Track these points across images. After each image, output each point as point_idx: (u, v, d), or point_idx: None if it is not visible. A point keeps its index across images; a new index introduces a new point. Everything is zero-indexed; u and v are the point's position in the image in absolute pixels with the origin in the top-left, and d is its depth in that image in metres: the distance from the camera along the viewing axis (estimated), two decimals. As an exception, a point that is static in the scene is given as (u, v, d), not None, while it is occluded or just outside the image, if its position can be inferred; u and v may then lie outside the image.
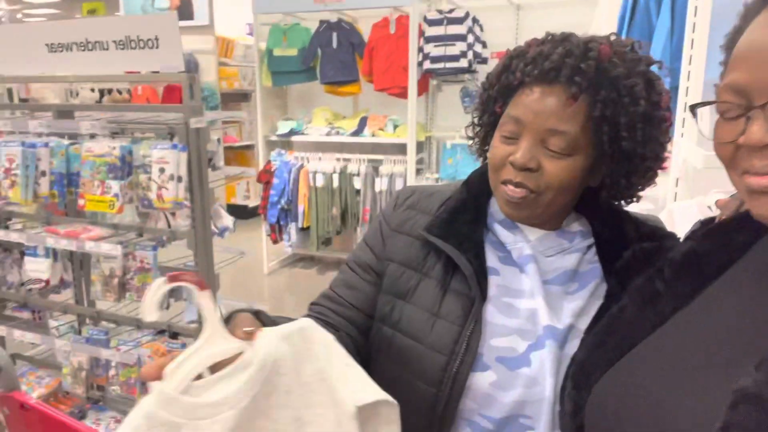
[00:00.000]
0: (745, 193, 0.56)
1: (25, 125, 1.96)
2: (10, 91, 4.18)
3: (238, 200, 6.99)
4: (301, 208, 4.58)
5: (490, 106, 0.83)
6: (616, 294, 0.75)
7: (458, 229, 0.83)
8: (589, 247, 0.83)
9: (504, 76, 0.79)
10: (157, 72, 1.85)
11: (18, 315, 2.84)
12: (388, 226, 0.90)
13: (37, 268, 2.39)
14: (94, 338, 2.22)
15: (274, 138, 4.67)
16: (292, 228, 4.68)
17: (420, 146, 4.39)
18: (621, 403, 0.61)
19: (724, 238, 0.66)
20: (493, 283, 0.80)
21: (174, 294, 2.25)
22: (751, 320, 0.56)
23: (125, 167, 1.88)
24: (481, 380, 0.75)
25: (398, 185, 4.30)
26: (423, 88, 4.17)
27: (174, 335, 2.16)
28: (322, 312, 0.89)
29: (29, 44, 2.03)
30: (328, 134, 4.48)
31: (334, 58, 4.18)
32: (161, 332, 2.18)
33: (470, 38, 3.85)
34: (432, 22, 3.88)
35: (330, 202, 4.51)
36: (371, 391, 0.62)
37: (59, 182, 1.99)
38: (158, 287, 0.55)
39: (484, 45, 3.97)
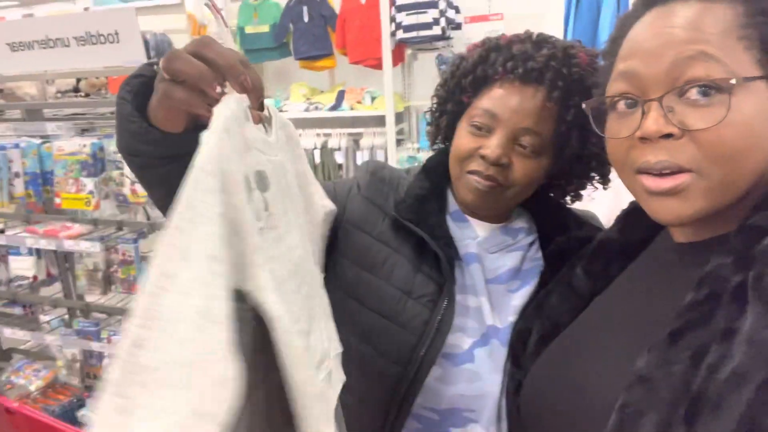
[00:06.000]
0: (642, 195, 0.57)
1: (-6, 128, 1.97)
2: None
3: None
4: (285, 185, 4.59)
5: (457, 95, 0.81)
6: (548, 280, 0.78)
7: (427, 217, 0.81)
8: (531, 243, 0.84)
9: (480, 68, 0.76)
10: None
11: (9, 311, 2.89)
12: (358, 190, 0.86)
13: (22, 265, 2.44)
14: (85, 330, 2.27)
15: (253, 117, 4.65)
16: (278, 205, 4.71)
17: (399, 117, 4.38)
18: (547, 386, 0.67)
19: (636, 223, 0.70)
20: None
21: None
22: (651, 304, 0.62)
23: (98, 163, 1.90)
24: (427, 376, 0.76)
25: (379, 157, 4.32)
26: (398, 58, 4.13)
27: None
28: None
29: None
30: (306, 110, 4.46)
31: (307, 32, 4.12)
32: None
33: (442, 4, 3.80)
34: (402, -10, 3.83)
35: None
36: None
37: (34, 182, 2.01)
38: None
39: (457, 10, 3.92)
